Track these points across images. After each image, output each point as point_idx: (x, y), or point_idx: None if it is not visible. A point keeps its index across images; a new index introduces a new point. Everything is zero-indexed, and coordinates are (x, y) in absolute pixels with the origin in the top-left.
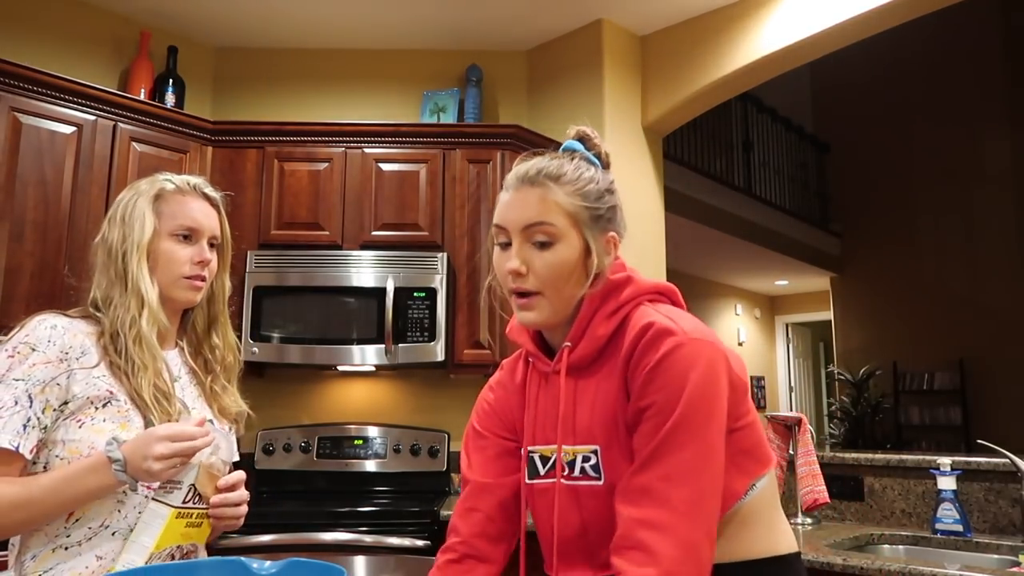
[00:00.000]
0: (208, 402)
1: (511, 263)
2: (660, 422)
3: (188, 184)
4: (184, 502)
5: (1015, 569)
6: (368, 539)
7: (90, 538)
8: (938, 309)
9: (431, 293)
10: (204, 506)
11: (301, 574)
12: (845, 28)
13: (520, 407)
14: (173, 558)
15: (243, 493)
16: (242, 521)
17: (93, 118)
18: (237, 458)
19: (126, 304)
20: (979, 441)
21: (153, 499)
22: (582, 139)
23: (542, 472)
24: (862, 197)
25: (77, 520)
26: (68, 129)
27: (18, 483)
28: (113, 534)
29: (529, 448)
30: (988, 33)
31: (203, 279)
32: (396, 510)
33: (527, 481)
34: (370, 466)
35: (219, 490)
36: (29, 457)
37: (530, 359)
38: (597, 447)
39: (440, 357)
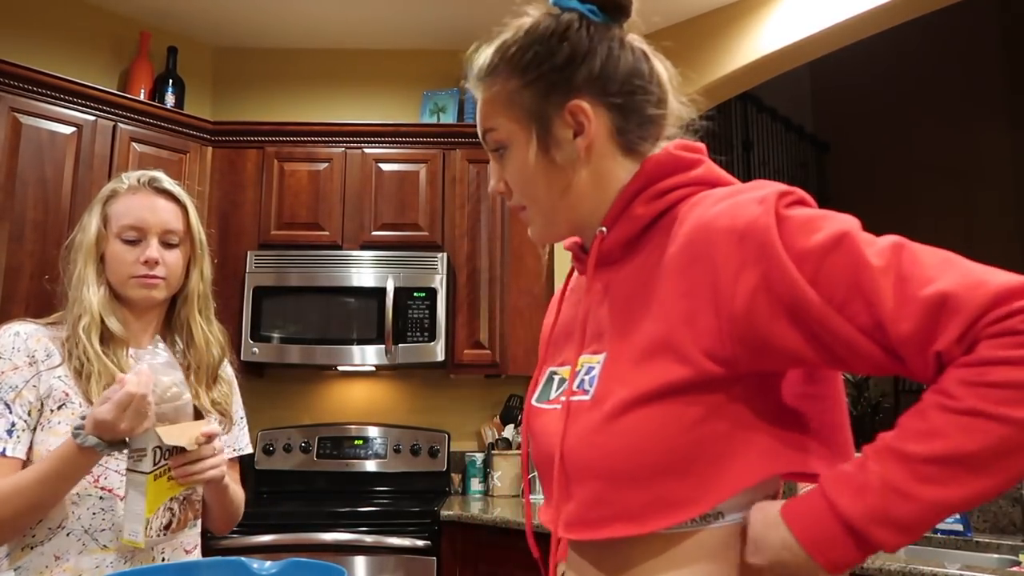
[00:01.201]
0: (192, 399)
1: (490, 184)
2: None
3: (139, 181)
4: (156, 464)
5: (1015, 569)
6: (368, 539)
7: (50, 538)
8: None
9: (431, 293)
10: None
11: (301, 574)
12: (845, 28)
13: (550, 326)
14: (173, 512)
15: (209, 448)
16: (221, 469)
17: (93, 118)
18: (250, 450)
19: (75, 309)
20: None
21: (128, 470)
22: None
23: (553, 395)
24: (862, 197)
25: (40, 520)
26: (68, 129)
27: (8, 480)
28: (68, 535)
29: (551, 369)
30: (987, 32)
31: (155, 277)
32: (396, 510)
33: (534, 403)
34: (370, 466)
35: (203, 437)
36: (23, 458)
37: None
38: (604, 354)
39: (440, 357)
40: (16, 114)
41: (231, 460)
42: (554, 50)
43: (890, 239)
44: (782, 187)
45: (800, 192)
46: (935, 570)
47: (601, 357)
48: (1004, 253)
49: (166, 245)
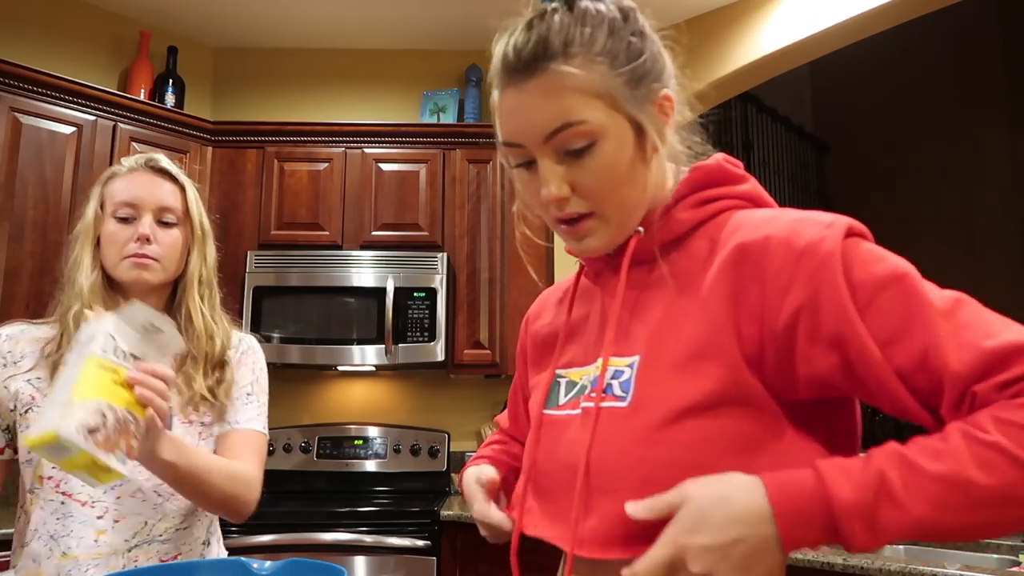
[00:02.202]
0: (180, 391)
1: (549, 190)
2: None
3: (138, 162)
4: (104, 351)
5: (1015, 569)
6: (368, 539)
7: (30, 541)
8: None
9: (431, 293)
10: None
11: (301, 574)
12: (845, 28)
13: (551, 326)
14: (104, 419)
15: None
16: (164, 401)
17: (93, 118)
18: (256, 427)
19: (66, 297)
20: None
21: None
22: None
23: (562, 400)
24: (862, 197)
25: (29, 521)
26: (68, 129)
27: None
28: (39, 539)
29: (558, 371)
30: (988, 33)
31: (148, 257)
32: (396, 510)
33: (544, 411)
34: (370, 466)
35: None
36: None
37: (582, 264)
38: (637, 357)
39: (440, 357)
40: (16, 114)
41: (229, 433)
42: (637, 31)
43: (952, 292)
44: (850, 219)
45: (864, 227)
46: (935, 570)
47: (633, 360)
48: (1005, 254)
49: (162, 224)
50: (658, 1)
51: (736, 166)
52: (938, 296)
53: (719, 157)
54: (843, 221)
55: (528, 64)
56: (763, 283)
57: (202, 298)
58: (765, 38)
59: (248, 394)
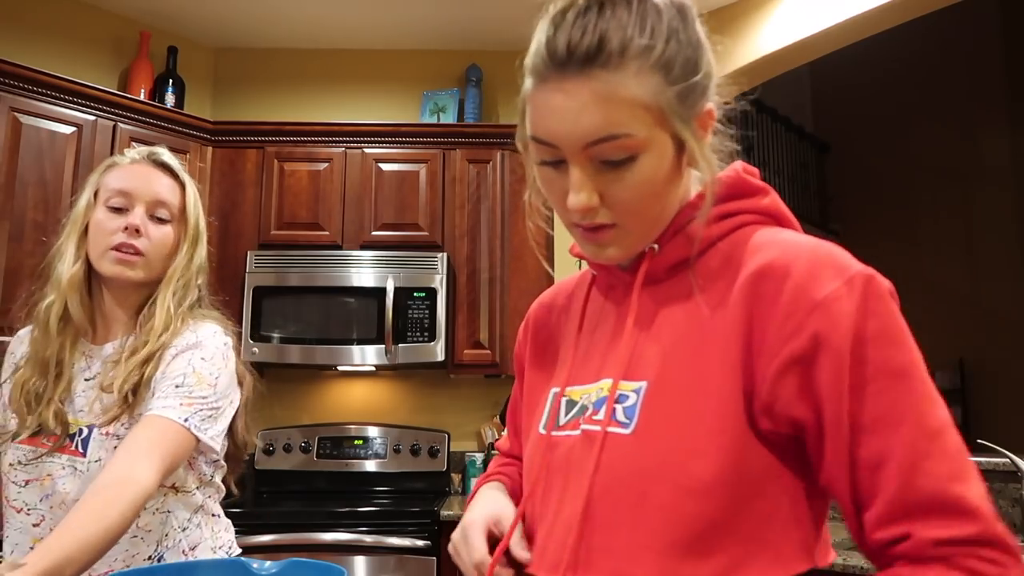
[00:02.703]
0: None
1: (579, 198)
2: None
3: (140, 154)
4: None
5: None
6: (368, 539)
7: None
8: (938, 309)
9: (431, 293)
10: None
11: (301, 574)
12: (845, 28)
13: (556, 334)
14: None
15: None
16: None
17: (93, 118)
18: (172, 416)
19: (46, 288)
20: (979, 441)
21: None
22: None
23: (563, 420)
24: (862, 197)
25: None
26: (68, 129)
27: None
28: None
29: (561, 389)
30: (988, 33)
31: (134, 249)
32: (396, 510)
33: (552, 432)
34: (370, 466)
35: None
36: None
37: (594, 274)
38: (644, 383)
39: (440, 357)
40: (16, 114)
41: (136, 423)
42: (694, 39)
43: (947, 415)
44: (875, 274)
45: (886, 282)
46: None
47: (640, 386)
48: (1005, 254)
49: (156, 220)
50: None
51: (754, 176)
52: (935, 414)
53: (738, 167)
54: (863, 279)
55: (579, 64)
56: (772, 326)
57: (174, 295)
58: (765, 38)
59: (177, 386)
